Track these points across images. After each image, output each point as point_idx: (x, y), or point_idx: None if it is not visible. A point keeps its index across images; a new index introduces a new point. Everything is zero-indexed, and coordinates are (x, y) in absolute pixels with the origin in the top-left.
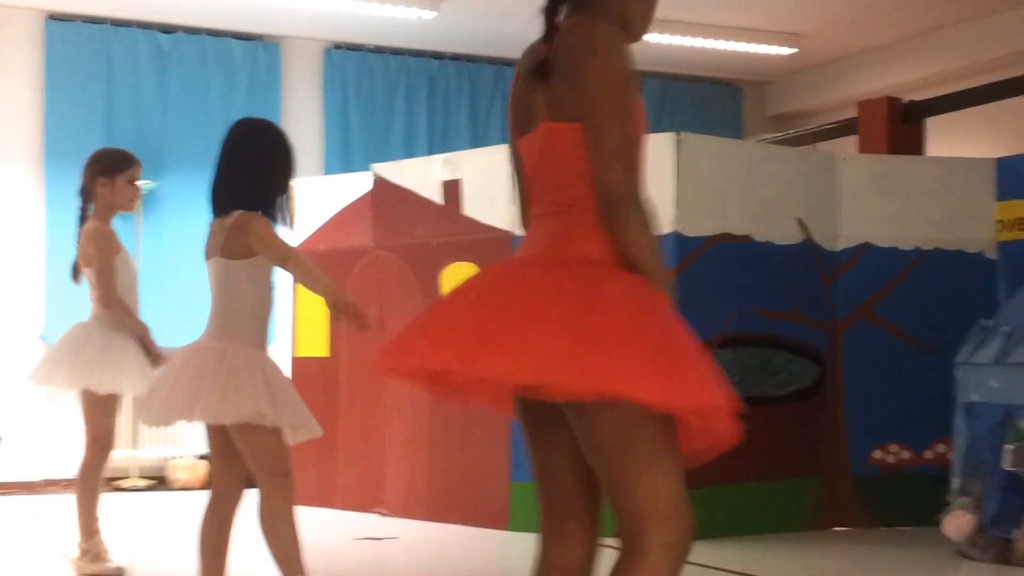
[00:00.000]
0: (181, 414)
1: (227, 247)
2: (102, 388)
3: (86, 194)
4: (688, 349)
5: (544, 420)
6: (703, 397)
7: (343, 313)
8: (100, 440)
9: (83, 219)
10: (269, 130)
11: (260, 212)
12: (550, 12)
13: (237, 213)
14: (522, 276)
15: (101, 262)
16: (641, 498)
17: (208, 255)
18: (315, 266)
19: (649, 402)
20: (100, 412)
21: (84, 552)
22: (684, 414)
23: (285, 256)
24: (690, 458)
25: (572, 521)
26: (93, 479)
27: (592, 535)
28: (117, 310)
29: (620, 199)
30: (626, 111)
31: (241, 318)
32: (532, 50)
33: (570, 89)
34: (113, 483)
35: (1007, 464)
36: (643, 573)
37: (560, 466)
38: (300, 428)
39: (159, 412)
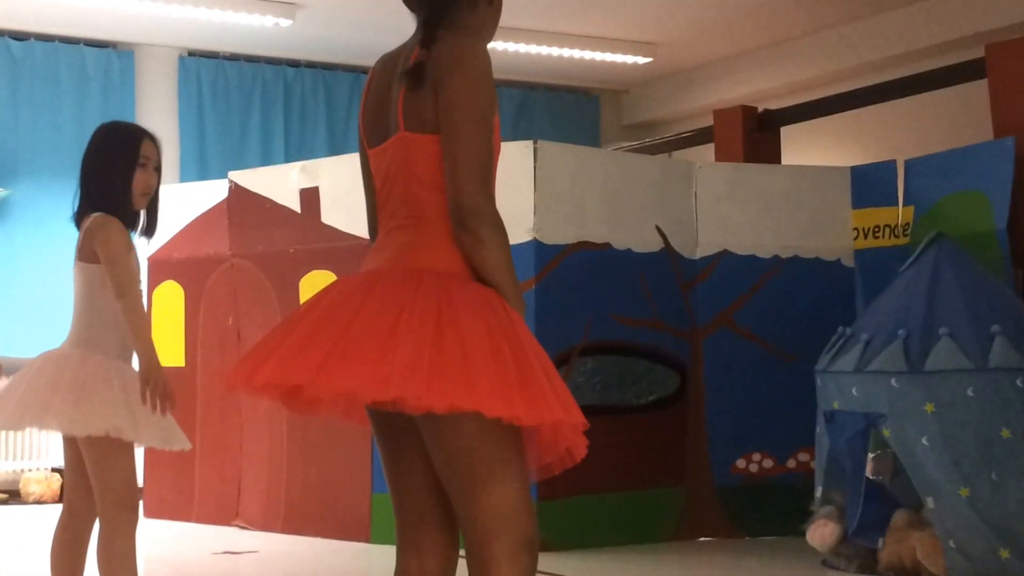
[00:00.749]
0: (33, 420)
1: (83, 251)
2: None
3: None
4: (539, 363)
5: (398, 431)
6: (555, 412)
7: (152, 390)
8: None
9: None
10: (116, 131)
11: (117, 216)
12: (434, 22)
13: (93, 215)
14: (373, 288)
15: None
16: (486, 507)
17: (74, 261)
18: (144, 314)
19: (504, 416)
20: None
21: None
22: (537, 428)
23: (123, 289)
24: (539, 471)
25: (428, 533)
26: None
27: (449, 547)
28: None
29: (473, 214)
30: (486, 127)
31: (103, 326)
32: (393, 58)
33: (432, 100)
34: None
35: (870, 472)
36: None
37: (415, 477)
38: (166, 444)
39: (10, 415)
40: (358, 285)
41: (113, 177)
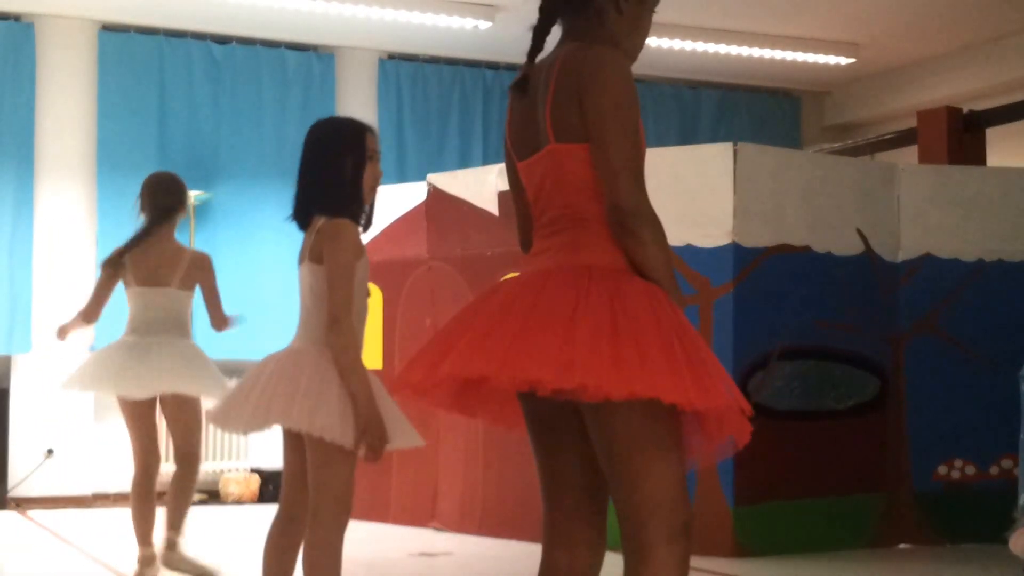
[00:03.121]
0: (279, 416)
1: (314, 252)
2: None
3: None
4: (704, 351)
5: (553, 427)
6: (724, 397)
7: (366, 435)
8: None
9: None
10: (339, 128)
11: (349, 218)
12: (540, 32)
13: (325, 218)
14: (545, 283)
15: None
16: (646, 492)
17: (299, 260)
18: (357, 352)
19: (679, 402)
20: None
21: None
22: (707, 413)
23: (336, 318)
24: (704, 457)
25: (580, 528)
26: (134, 489)
27: (599, 544)
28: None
29: (631, 214)
30: (633, 129)
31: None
32: (540, 67)
33: (576, 111)
34: (164, 497)
35: None
36: (652, 569)
37: (568, 474)
38: (402, 437)
39: (252, 417)
40: (528, 281)
41: (343, 176)
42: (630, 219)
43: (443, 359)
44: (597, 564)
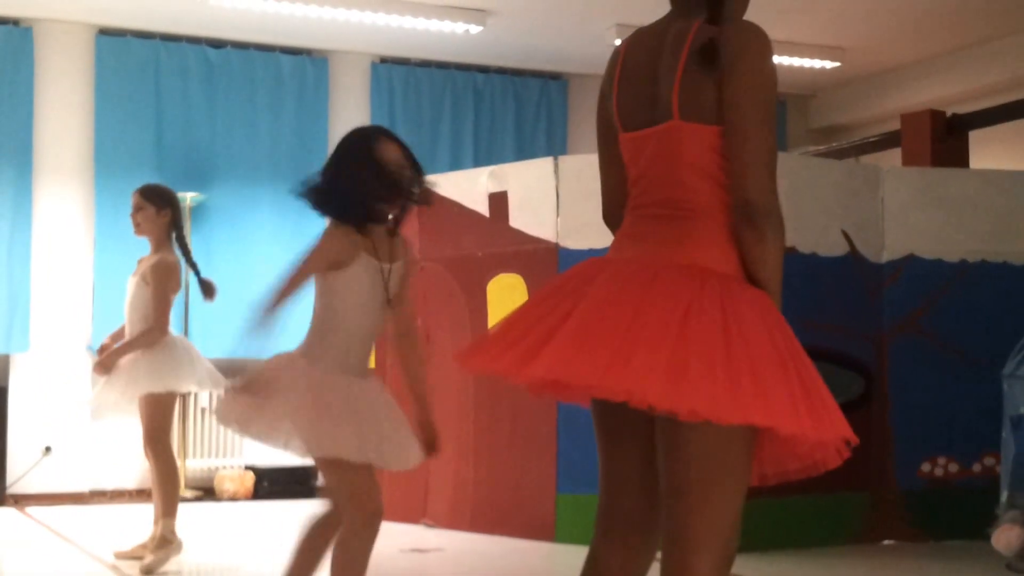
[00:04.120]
0: (283, 443)
1: None
2: None
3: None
4: (814, 374)
5: (624, 428)
6: (838, 428)
7: (426, 434)
8: None
9: None
10: (353, 136)
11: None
12: None
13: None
14: (652, 282)
15: None
16: (705, 518)
17: None
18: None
19: (795, 433)
20: None
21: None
22: (810, 443)
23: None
24: (777, 475)
25: (637, 532)
26: None
27: (654, 548)
28: None
29: (760, 212)
30: (772, 121)
31: (325, 337)
32: (653, 36)
33: (711, 90)
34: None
35: None
36: None
37: (632, 475)
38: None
39: (266, 428)
40: (632, 276)
41: (361, 186)
42: (760, 216)
43: (535, 355)
44: (646, 569)
